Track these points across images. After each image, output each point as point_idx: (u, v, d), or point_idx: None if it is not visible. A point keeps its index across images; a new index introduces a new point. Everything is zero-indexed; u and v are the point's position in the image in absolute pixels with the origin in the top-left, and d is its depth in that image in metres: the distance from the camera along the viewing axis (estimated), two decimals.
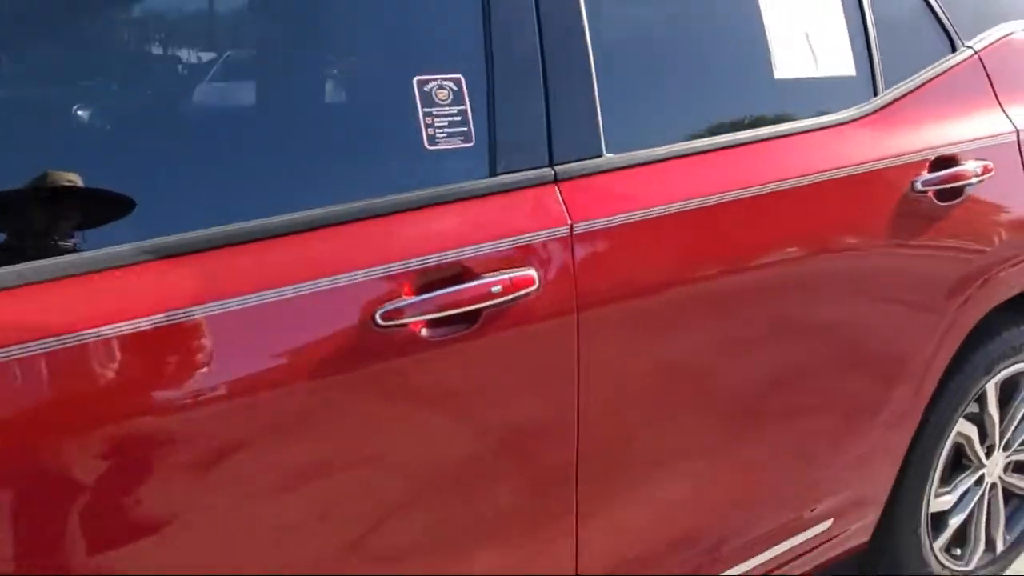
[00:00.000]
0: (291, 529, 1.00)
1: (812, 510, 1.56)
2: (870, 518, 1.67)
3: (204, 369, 0.91)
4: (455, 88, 1.12)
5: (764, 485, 1.49)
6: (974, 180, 1.55)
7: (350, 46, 1.12)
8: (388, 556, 1.10)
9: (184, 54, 1.04)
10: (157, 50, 1.04)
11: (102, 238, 0.90)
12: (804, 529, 1.55)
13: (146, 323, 0.88)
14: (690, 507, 1.39)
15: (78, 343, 0.84)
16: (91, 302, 0.87)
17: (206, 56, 1.06)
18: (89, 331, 0.85)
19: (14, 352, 0.82)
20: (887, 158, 1.48)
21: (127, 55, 1.02)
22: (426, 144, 1.09)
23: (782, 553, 1.53)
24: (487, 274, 1.06)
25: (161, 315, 0.88)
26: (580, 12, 1.21)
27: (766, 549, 1.51)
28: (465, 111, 1.12)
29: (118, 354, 0.87)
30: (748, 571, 1.47)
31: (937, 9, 1.67)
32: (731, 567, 1.46)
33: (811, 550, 1.59)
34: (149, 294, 0.89)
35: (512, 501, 1.18)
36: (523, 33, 1.16)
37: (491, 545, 1.18)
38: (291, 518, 0.99)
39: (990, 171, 1.58)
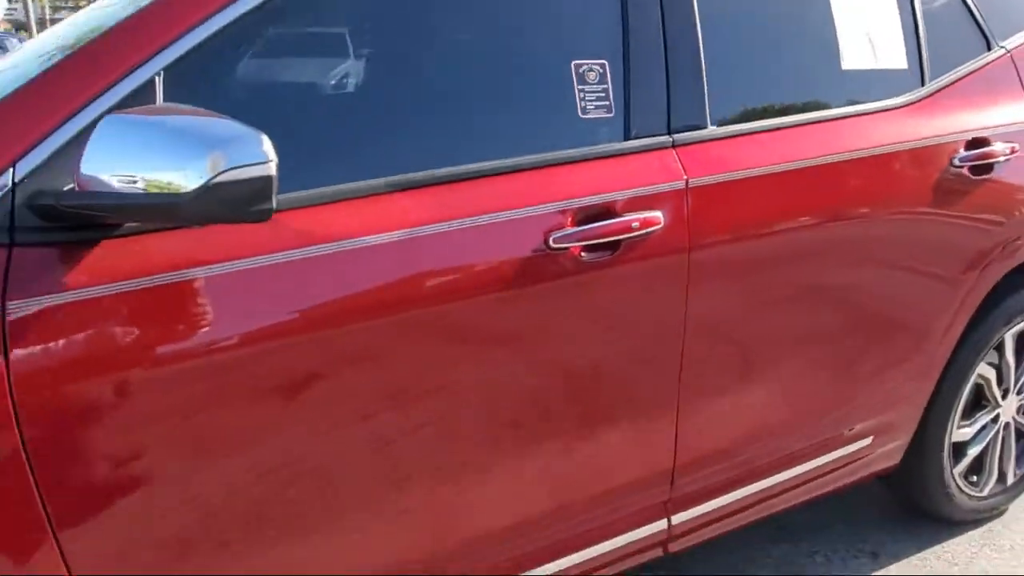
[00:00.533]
0: (501, 388, 1.35)
1: (850, 429, 1.89)
2: (901, 440, 2.00)
3: (442, 270, 1.26)
4: (600, 71, 1.45)
5: (825, 403, 1.82)
6: (1002, 159, 1.87)
7: (533, 42, 1.45)
8: (555, 425, 1.45)
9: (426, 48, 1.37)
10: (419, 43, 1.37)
11: (367, 173, 1.23)
12: (852, 442, 1.89)
13: (396, 235, 1.22)
14: (766, 414, 1.72)
15: (351, 248, 1.18)
16: (357, 218, 1.20)
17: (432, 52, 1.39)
18: (358, 239, 1.18)
19: (312, 251, 1.16)
20: (931, 137, 1.80)
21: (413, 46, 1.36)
22: (580, 113, 1.42)
23: (841, 457, 1.87)
24: (628, 213, 1.39)
25: (405, 230, 1.22)
26: (694, 12, 1.53)
27: (830, 452, 1.86)
28: (607, 89, 1.45)
29: (376, 258, 1.21)
30: (821, 464, 1.85)
31: (976, 14, 1.98)
32: (804, 462, 1.81)
33: (857, 460, 1.92)
34: (394, 215, 1.23)
35: (635, 395, 1.52)
36: (650, 31, 1.49)
37: (620, 428, 1.52)
38: (499, 380, 1.35)
39: (1016, 152, 1.89)
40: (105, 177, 0.97)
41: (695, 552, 1.81)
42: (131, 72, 1.10)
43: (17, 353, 0.99)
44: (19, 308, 0.99)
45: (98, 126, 0.98)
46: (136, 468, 1.10)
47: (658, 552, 1.69)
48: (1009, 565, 2.11)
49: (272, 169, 0.94)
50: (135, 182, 0.96)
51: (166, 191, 0.93)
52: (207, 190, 0.91)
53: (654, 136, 1.48)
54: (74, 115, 1.06)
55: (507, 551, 1.48)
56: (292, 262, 1.15)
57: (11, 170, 1.03)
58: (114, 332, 1.05)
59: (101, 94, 1.08)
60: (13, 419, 0.99)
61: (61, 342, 1.01)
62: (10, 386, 0.98)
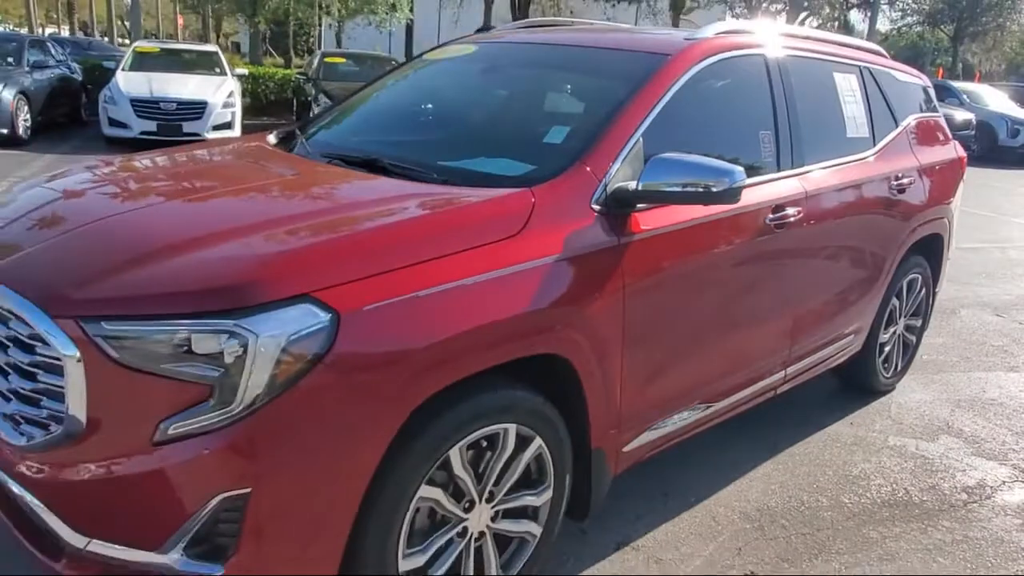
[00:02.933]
0: (758, 286, 2.73)
1: (846, 330, 3.50)
2: (861, 338, 3.65)
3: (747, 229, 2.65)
4: (767, 137, 2.91)
5: (843, 314, 3.39)
6: (907, 183, 3.57)
7: (755, 127, 2.88)
8: (754, 317, 2.86)
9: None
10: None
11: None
12: (849, 335, 3.50)
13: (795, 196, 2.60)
14: (827, 315, 3.27)
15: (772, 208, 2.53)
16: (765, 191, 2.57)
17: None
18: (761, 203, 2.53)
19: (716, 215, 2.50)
20: (882, 174, 3.45)
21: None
22: (762, 156, 2.88)
23: (842, 343, 3.48)
24: (788, 207, 2.85)
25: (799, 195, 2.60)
26: (793, 112, 3.03)
27: (841, 340, 3.46)
28: (769, 146, 2.91)
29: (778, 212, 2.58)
30: (838, 345, 3.44)
31: (891, 106, 3.69)
32: (836, 342, 3.41)
33: (847, 347, 3.54)
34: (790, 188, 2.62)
35: (787, 300, 2.98)
36: (781, 120, 2.97)
37: (779, 316, 2.97)
38: (758, 281, 2.74)
39: (910, 181, 3.61)
40: (657, 184, 2.25)
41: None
42: (632, 135, 2.38)
43: (629, 249, 2.24)
44: (627, 238, 2.24)
45: (649, 162, 2.27)
46: (660, 316, 2.38)
47: (772, 393, 3.15)
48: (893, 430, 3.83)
49: (745, 181, 2.28)
50: (675, 186, 2.26)
51: (702, 190, 2.24)
52: (728, 189, 2.23)
53: (790, 169, 2.96)
54: (619, 153, 2.33)
55: (741, 377, 2.88)
56: (713, 222, 2.49)
57: (606, 176, 2.27)
58: (659, 250, 2.33)
59: (625, 144, 2.35)
60: (622, 282, 2.23)
61: (626, 238, 2.27)
62: (622, 265, 2.23)
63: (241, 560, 1.70)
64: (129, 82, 11.16)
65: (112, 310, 1.66)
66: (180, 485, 1.66)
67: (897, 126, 3.73)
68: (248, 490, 1.65)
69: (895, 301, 3.83)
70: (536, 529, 2.26)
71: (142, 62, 12.12)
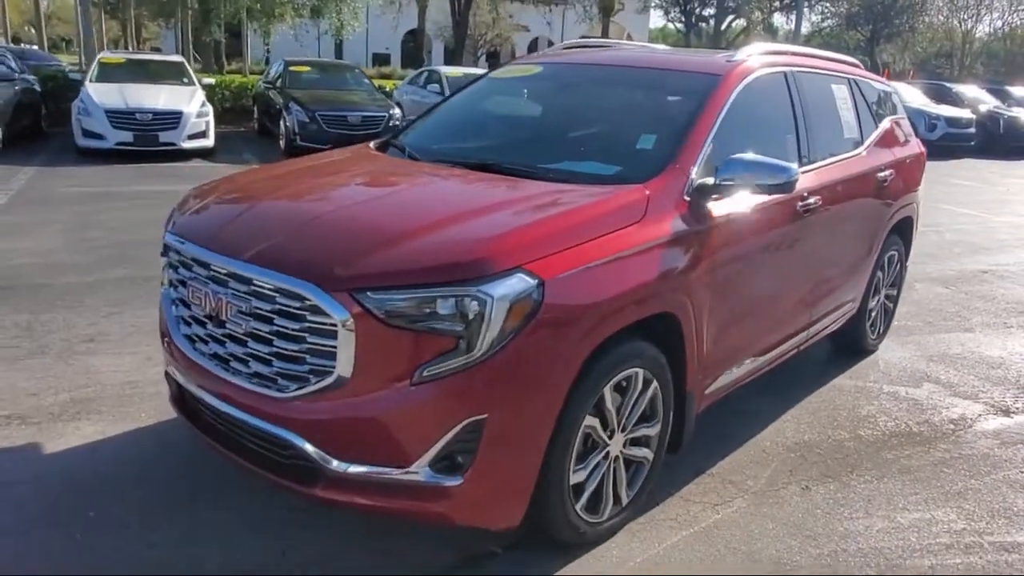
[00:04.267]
0: (775, 273, 3.38)
1: (852, 302, 4.20)
2: (858, 303, 4.36)
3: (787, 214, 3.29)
4: (791, 139, 3.57)
5: (848, 284, 4.09)
6: (889, 175, 4.30)
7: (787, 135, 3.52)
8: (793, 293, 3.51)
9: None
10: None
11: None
12: (848, 303, 4.20)
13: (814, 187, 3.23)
14: (838, 285, 3.95)
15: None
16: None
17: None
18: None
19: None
20: (870, 167, 4.16)
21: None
22: (790, 156, 3.53)
23: (844, 309, 4.17)
24: (811, 196, 3.50)
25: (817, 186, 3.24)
26: (805, 118, 3.69)
27: (845, 306, 4.15)
28: (793, 147, 3.57)
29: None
30: (842, 311, 4.12)
31: (872, 110, 4.42)
32: (841, 308, 4.10)
33: (847, 312, 4.24)
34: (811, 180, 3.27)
35: (811, 270, 3.64)
36: (797, 125, 3.63)
37: (806, 283, 3.63)
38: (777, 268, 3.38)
39: (890, 173, 4.34)
40: (732, 178, 2.87)
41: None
42: (707, 139, 2.98)
43: (712, 231, 2.84)
44: (711, 223, 2.85)
45: (724, 163, 2.88)
46: (731, 284, 3.00)
47: (796, 350, 3.81)
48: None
49: (798, 176, 2.91)
50: (746, 180, 2.87)
51: (767, 183, 2.86)
52: (787, 182, 2.86)
53: (808, 164, 3.62)
54: (699, 155, 2.93)
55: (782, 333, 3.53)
56: (764, 209, 3.11)
57: (692, 173, 2.87)
58: (732, 231, 2.94)
59: (703, 147, 2.96)
60: (711, 256, 2.83)
61: (709, 223, 2.87)
62: (709, 243, 2.83)
63: (476, 472, 2.23)
64: (101, 93, 11.26)
65: (376, 283, 2.17)
66: (433, 414, 2.18)
67: (877, 127, 4.46)
68: (485, 416, 2.19)
69: (879, 273, 4.55)
70: (650, 455, 2.84)
71: (109, 73, 12.19)
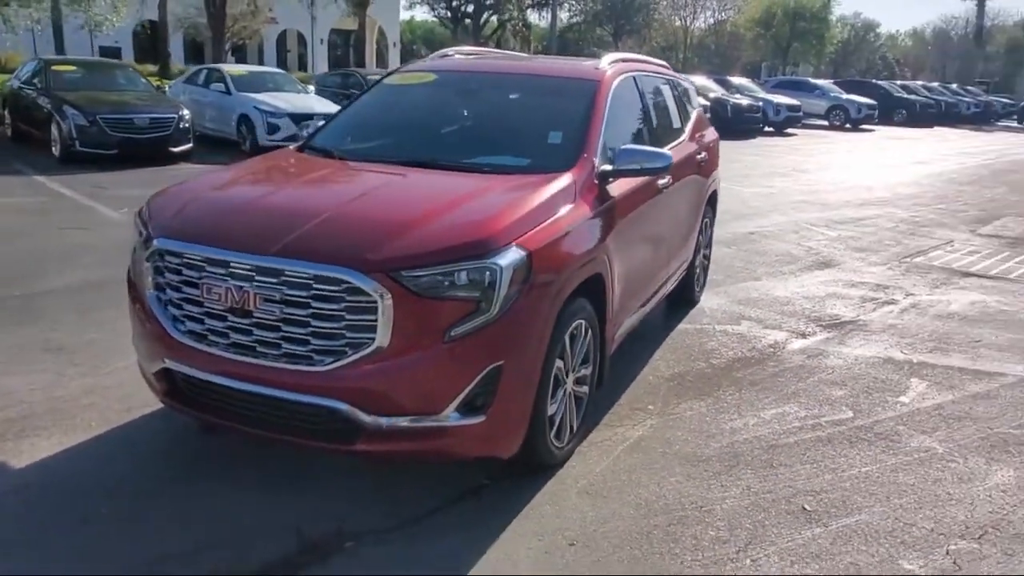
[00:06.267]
0: (649, 241, 4.19)
1: (686, 261, 5.18)
2: (689, 262, 5.37)
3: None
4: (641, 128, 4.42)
5: (683, 250, 5.04)
6: (704, 155, 5.35)
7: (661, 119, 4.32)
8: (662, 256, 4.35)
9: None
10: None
11: None
12: (684, 265, 5.18)
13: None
14: (680, 251, 4.88)
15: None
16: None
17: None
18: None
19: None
20: (694, 151, 5.16)
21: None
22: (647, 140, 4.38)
23: (683, 269, 5.14)
24: (665, 176, 4.37)
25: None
26: (652, 114, 4.57)
27: (683, 268, 5.12)
28: (646, 134, 4.42)
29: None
30: (681, 272, 5.10)
31: (687, 105, 5.44)
32: (680, 270, 5.05)
33: (685, 269, 5.22)
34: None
35: (674, 235, 4.51)
36: (648, 121, 4.49)
37: (671, 244, 4.50)
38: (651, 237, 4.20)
39: (704, 153, 5.39)
40: (626, 164, 3.61)
41: None
42: (601, 133, 3.69)
43: (616, 205, 3.56)
44: (612, 200, 3.57)
45: (620, 152, 3.62)
46: (626, 246, 3.73)
47: (662, 301, 4.69)
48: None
49: (672, 160, 3.72)
50: (636, 166, 3.63)
51: (650, 167, 3.63)
52: (666, 166, 3.64)
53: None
54: (598, 146, 3.64)
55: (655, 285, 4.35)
56: (641, 186, 3.88)
57: (596, 161, 3.58)
58: (625, 205, 3.68)
59: (599, 139, 3.67)
60: (616, 225, 3.56)
61: (611, 201, 3.60)
62: (614, 214, 3.56)
63: (495, 410, 2.75)
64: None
65: (408, 264, 2.60)
66: (463, 365, 2.67)
67: (691, 117, 5.49)
68: (502, 362, 2.72)
69: (700, 237, 5.61)
70: (587, 392, 3.51)
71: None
